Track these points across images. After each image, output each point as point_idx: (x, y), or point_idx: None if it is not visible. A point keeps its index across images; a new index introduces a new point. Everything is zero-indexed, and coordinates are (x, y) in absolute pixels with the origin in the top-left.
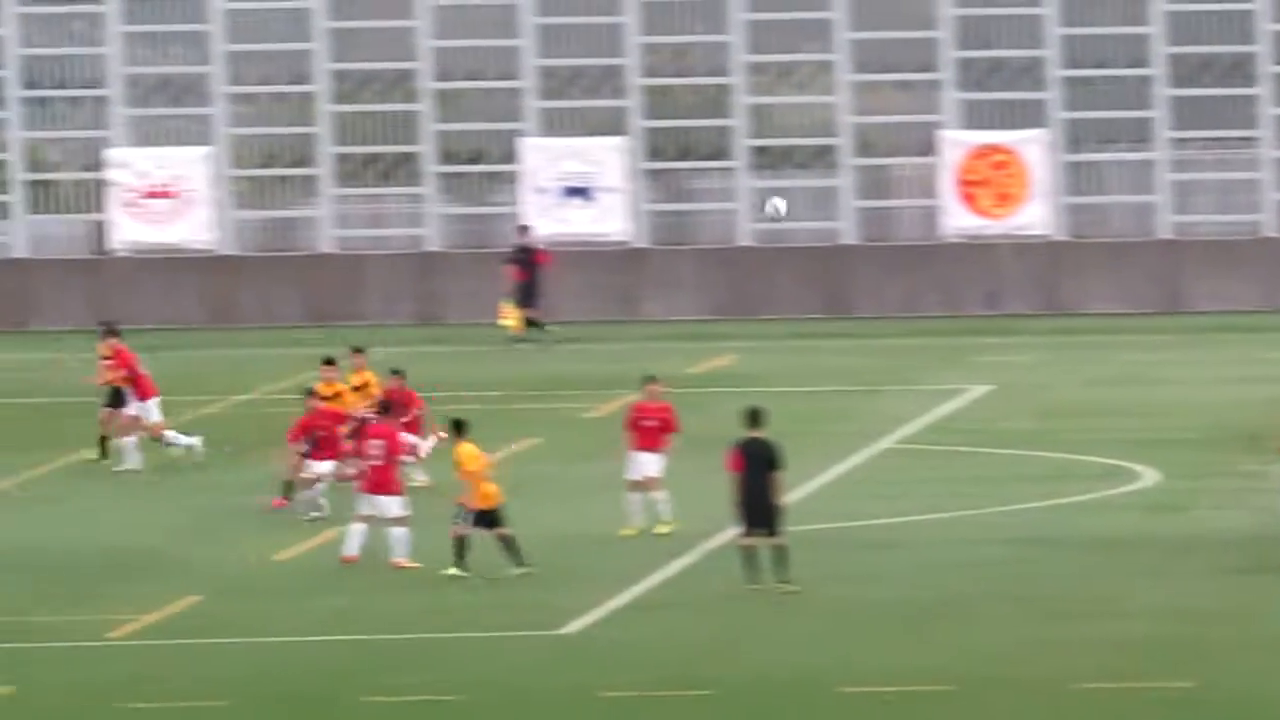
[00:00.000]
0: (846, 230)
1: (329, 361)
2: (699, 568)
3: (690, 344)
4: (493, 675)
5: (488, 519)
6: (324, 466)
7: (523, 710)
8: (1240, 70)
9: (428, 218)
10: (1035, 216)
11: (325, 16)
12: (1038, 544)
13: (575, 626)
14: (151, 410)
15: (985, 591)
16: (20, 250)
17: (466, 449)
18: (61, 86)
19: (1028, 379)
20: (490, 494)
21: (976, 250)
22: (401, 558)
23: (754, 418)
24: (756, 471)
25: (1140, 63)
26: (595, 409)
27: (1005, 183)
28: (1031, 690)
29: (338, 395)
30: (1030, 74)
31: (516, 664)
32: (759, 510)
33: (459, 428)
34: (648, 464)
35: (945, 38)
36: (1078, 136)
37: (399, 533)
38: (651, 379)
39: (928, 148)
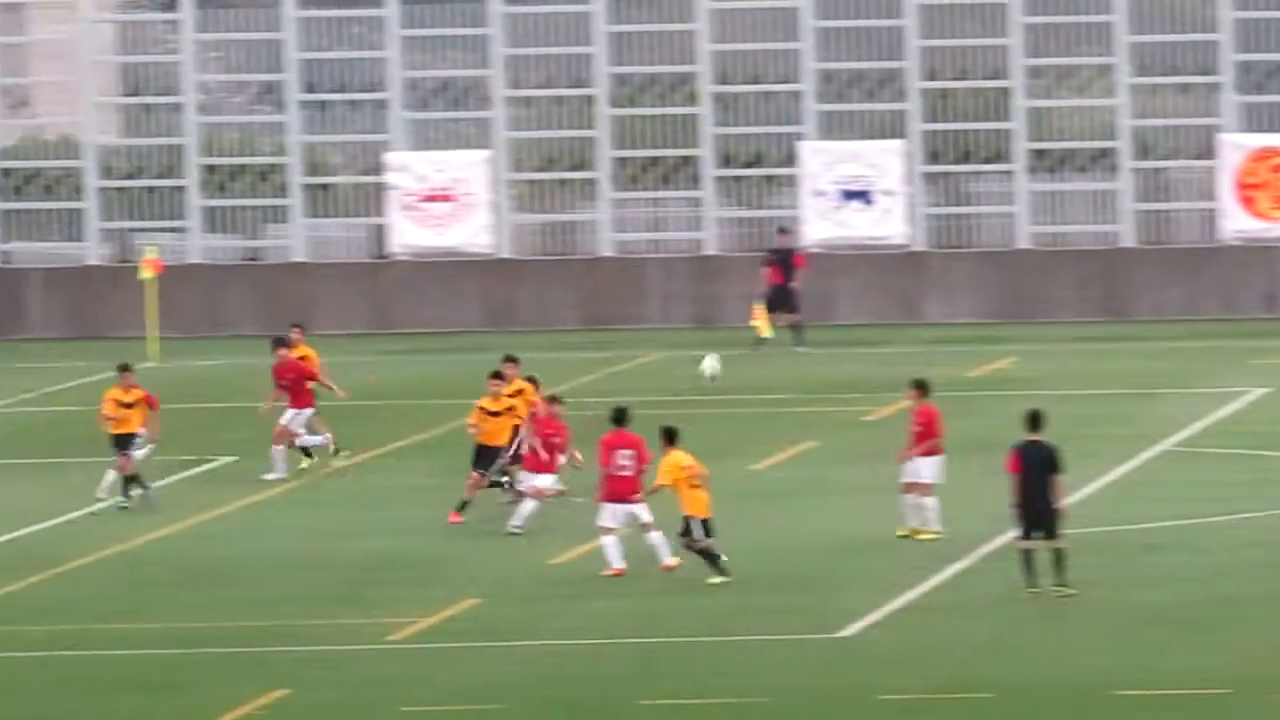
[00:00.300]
0: (1125, 233)
1: (498, 375)
2: (975, 570)
3: (969, 347)
4: (771, 679)
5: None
6: (544, 480)
7: (805, 713)
8: None
9: (706, 221)
10: None
11: (605, 20)
12: None
13: (853, 630)
14: (297, 420)
15: (1263, 594)
16: (300, 254)
17: (673, 457)
18: (341, 90)
19: None
20: (698, 502)
21: (1255, 253)
22: (670, 559)
23: (1034, 420)
24: (1036, 474)
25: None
26: (874, 412)
27: None
28: None
29: (511, 408)
30: None
31: (795, 667)
32: (1037, 513)
33: (670, 436)
34: (919, 468)
35: (1225, 40)
36: None
37: (656, 536)
38: (913, 384)
39: (1207, 150)
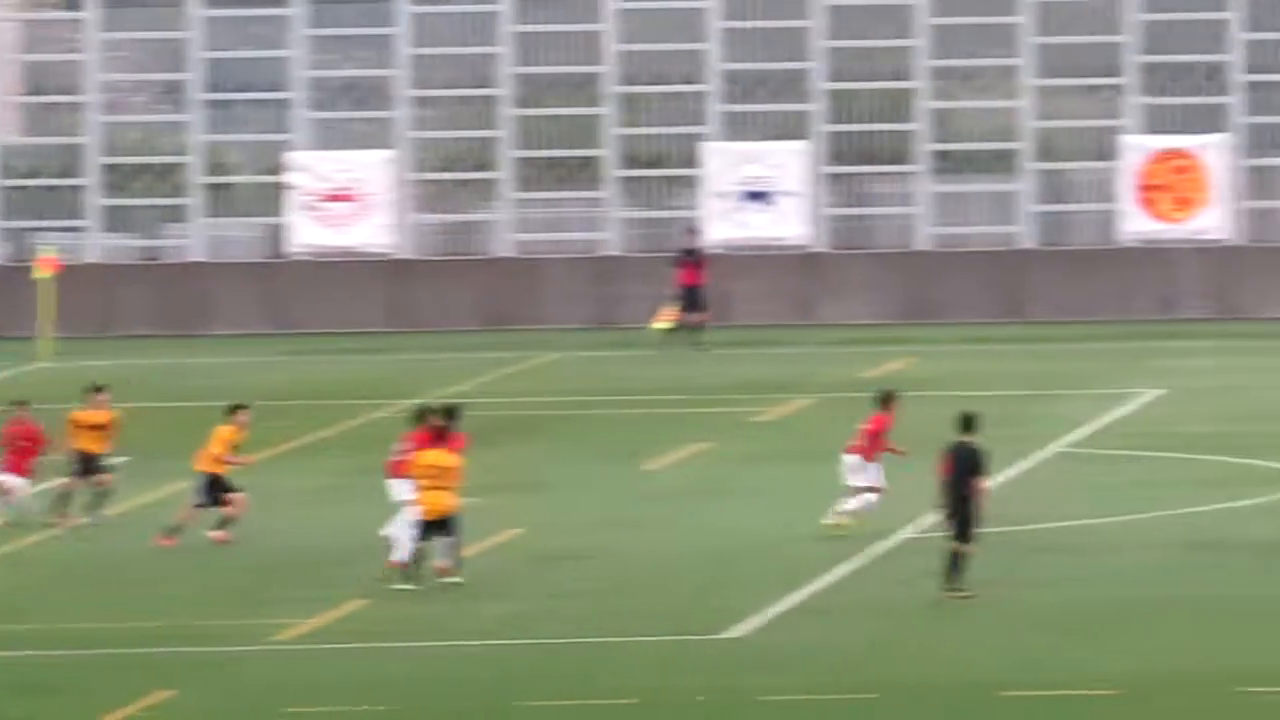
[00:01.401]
0: (1024, 234)
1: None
2: (865, 571)
3: (867, 348)
4: (652, 680)
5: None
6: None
7: (682, 714)
8: None
9: (607, 222)
10: (1213, 221)
11: (510, 20)
12: (1211, 548)
13: (738, 631)
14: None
15: (1156, 595)
16: (199, 254)
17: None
18: (244, 90)
19: (1202, 383)
20: (435, 503)
21: (1153, 254)
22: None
23: (965, 423)
24: (960, 476)
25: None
26: (766, 413)
27: (1185, 187)
28: (1201, 693)
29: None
30: (1212, 78)
31: (677, 668)
32: (962, 515)
33: (438, 433)
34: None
35: (1129, 42)
36: (1257, 140)
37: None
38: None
39: (1109, 152)
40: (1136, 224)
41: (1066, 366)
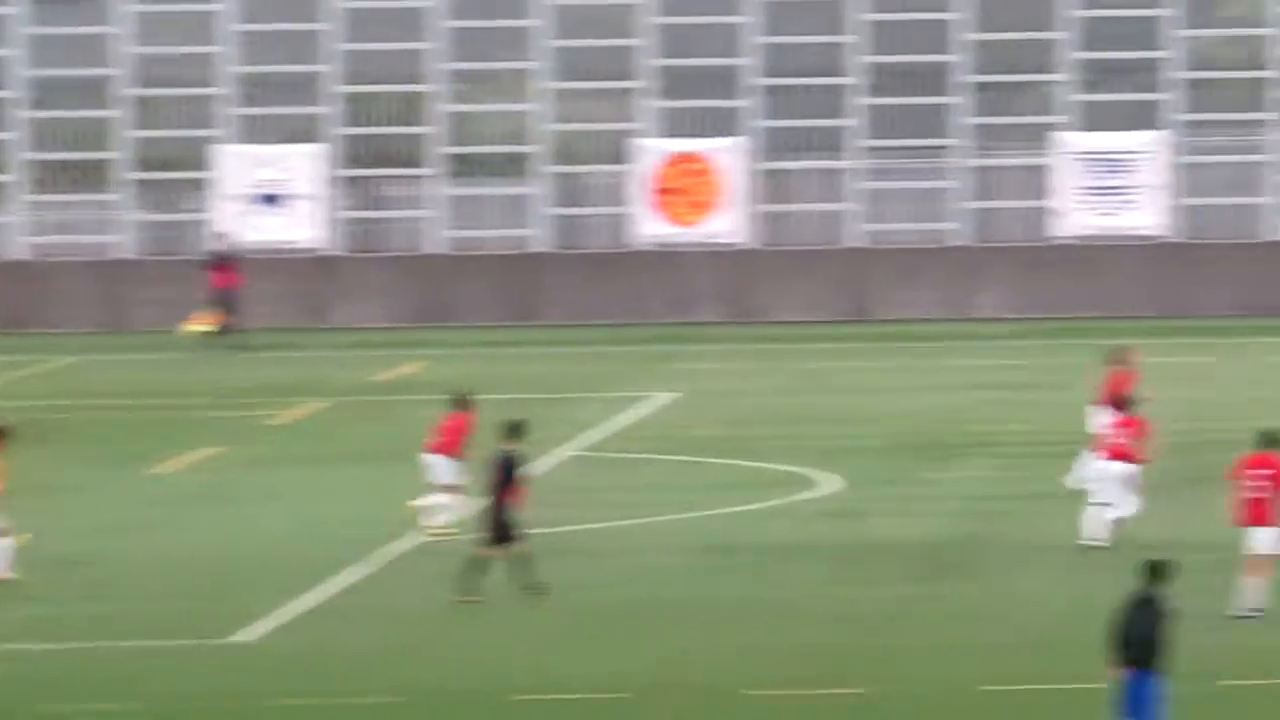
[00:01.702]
0: (538, 238)
1: None
2: (382, 575)
3: (380, 351)
4: (162, 685)
5: None
6: None
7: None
8: (936, 80)
9: (119, 224)
10: (727, 225)
11: (23, 23)
12: (719, 551)
13: (247, 635)
14: None
15: (665, 598)
16: None
17: None
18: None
19: (716, 386)
20: None
21: (667, 258)
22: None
23: (511, 430)
24: (501, 484)
25: (837, 71)
26: (278, 416)
27: (698, 191)
28: (705, 697)
29: None
30: (727, 82)
31: (188, 673)
32: (500, 522)
33: None
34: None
35: (644, 46)
36: (773, 145)
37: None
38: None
39: (622, 156)
40: (651, 228)
41: (581, 370)
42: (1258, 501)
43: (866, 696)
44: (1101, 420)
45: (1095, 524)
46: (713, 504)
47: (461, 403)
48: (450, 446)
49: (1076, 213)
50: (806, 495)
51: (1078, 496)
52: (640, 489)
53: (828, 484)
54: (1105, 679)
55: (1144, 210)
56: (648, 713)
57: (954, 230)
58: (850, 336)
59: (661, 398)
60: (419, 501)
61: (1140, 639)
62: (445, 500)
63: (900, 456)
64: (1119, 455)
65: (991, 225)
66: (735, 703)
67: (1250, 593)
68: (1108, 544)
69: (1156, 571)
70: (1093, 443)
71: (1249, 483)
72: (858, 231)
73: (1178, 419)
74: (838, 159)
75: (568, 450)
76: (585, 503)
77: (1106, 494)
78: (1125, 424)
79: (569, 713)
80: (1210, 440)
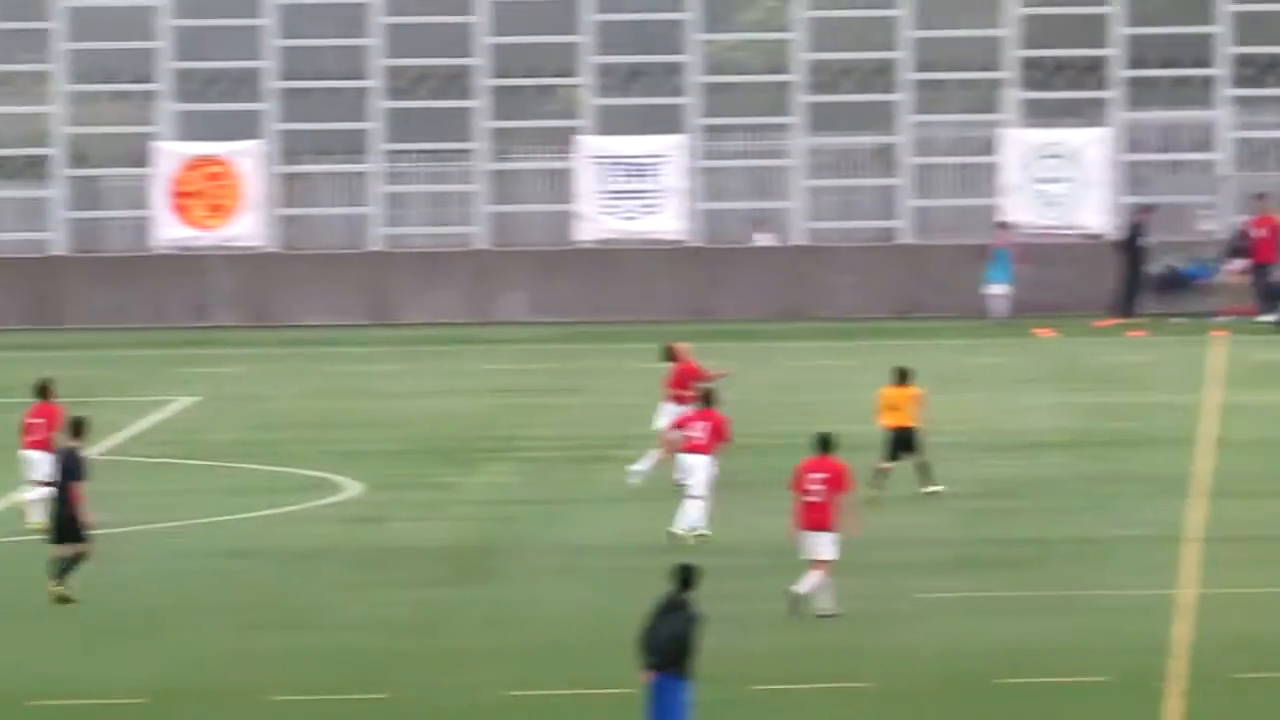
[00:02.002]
0: (57, 241)
1: None
2: None
3: None
4: None
5: None
6: None
7: None
8: (457, 83)
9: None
10: (247, 228)
11: None
12: (239, 556)
13: None
14: None
15: (183, 604)
16: None
17: None
18: None
19: (237, 391)
20: None
21: (187, 261)
22: None
23: (73, 427)
24: (64, 481)
25: (357, 75)
26: None
27: (218, 194)
28: (225, 702)
29: None
30: (246, 85)
31: None
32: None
33: None
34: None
35: (162, 48)
36: (293, 148)
37: None
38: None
39: (142, 159)
40: (170, 231)
41: (101, 373)
42: (817, 506)
43: (393, 702)
44: (668, 416)
45: (692, 516)
46: (235, 509)
47: (45, 392)
48: (47, 442)
49: (599, 217)
50: (330, 500)
51: (609, 501)
52: (162, 494)
53: (351, 488)
54: (633, 684)
55: (665, 214)
56: (166, 718)
57: (476, 233)
58: (373, 340)
59: (181, 402)
60: (28, 496)
61: (667, 644)
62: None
63: (423, 460)
64: (696, 449)
65: (513, 229)
66: (259, 708)
67: (820, 596)
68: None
69: (684, 576)
70: (664, 440)
71: (810, 487)
72: (379, 235)
73: None
74: (359, 162)
75: (91, 454)
76: (108, 507)
77: (697, 488)
78: (700, 417)
79: (85, 718)
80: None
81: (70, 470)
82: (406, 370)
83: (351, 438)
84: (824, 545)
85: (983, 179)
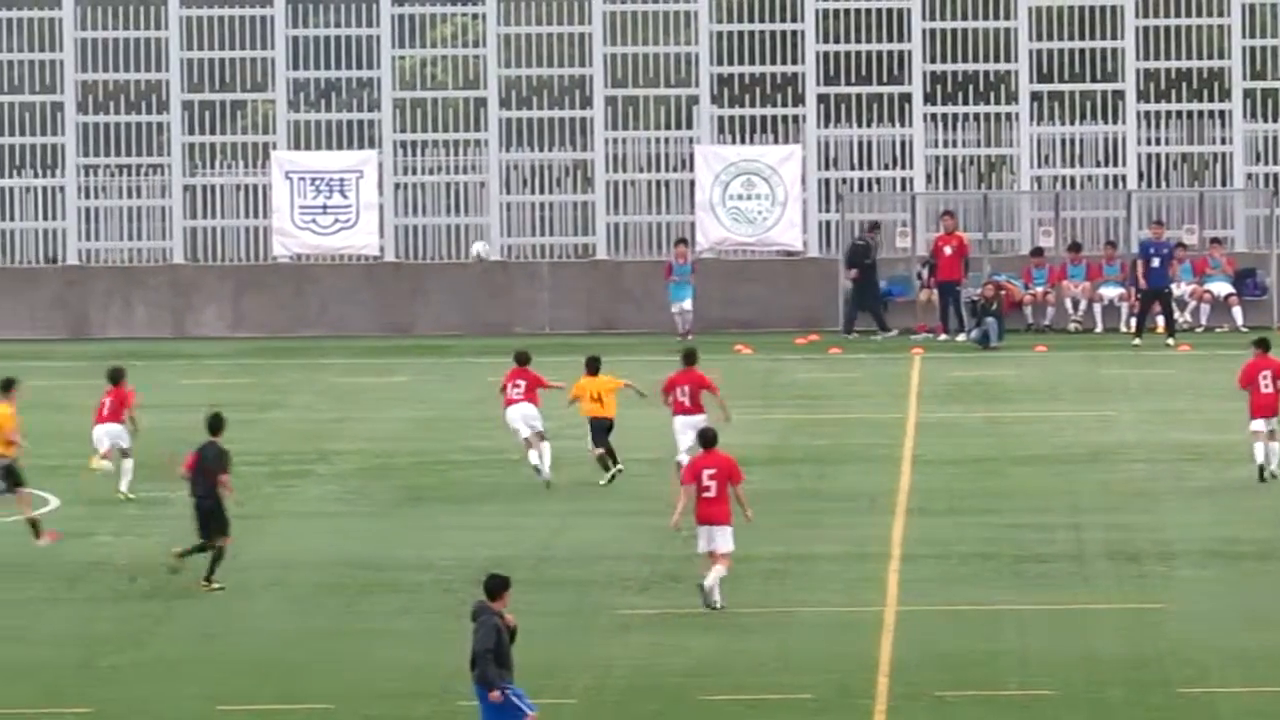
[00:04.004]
0: None
1: None
2: None
3: None
4: None
5: None
6: None
7: None
8: (152, 99)
9: None
10: None
11: None
12: None
13: None
14: None
15: None
16: None
17: None
18: None
19: None
20: None
21: None
22: None
23: (214, 424)
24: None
25: (51, 88)
26: None
27: None
28: None
29: None
30: None
31: None
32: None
33: None
34: None
35: None
36: None
37: None
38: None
39: None
40: None
41: None
42: (713, 501)
43: (92, 716)
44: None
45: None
46: None
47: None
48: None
49: (296, 232)
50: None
51: (312, 516)
52: None
53: (50, 502)
54: (336, 698)
55: (360, 230)
56: None
57: (173, 248)
58: (67, 356)
59: None
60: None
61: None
62: None
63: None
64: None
65: (210, 244)
66: None
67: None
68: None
69: (486, 586)
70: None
71: (706, 483)
72: (73, 249)
73: (400, 439)
74: (54, 176)
75: None
76: None
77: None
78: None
79: None
80: (424, 462)
81: (215, 463)
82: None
83: (52, 451)
84: (723, 538)
85: (676, 195)
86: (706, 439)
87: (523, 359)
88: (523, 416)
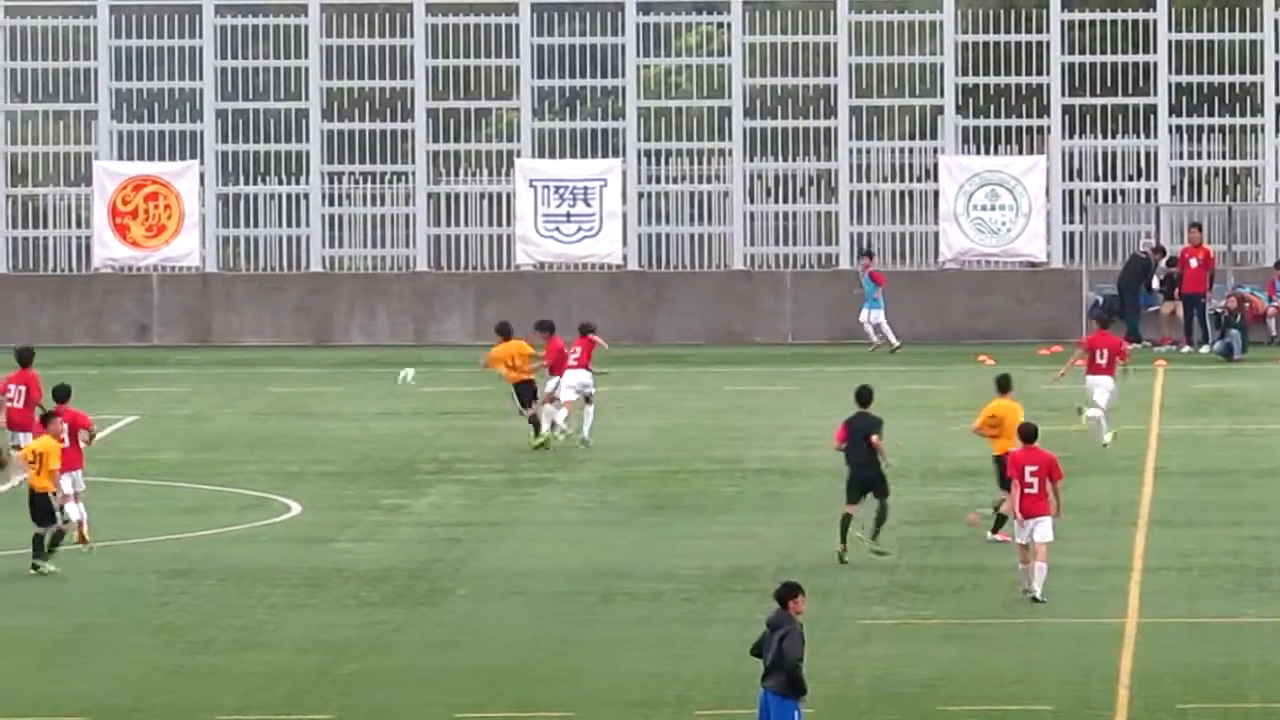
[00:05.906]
0: None
1: None
2: None
3: None
4: None
5: None
6: None
7: None
8: (395, 103)
9: None
10: (186, 248)
11: None
12: (181, 575)
13: None
14: None
15: (126, 622)
16: None
17: None
18: None
19: (177, 410)
20: None
21: (128, 281)
22: None
23: (862, 396)
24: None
25: (296, 95)
26: None
27: (157, 214)
28: None
29: None
30: (187, 105)
31: None
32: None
33: None
34: None
35: (104, 68)
36: (231, 168)
37: None
38: None
39: (83, 178)
40: (111, 250)
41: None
42: (1035, 497)
43: None
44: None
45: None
46: (173, 528)
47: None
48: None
49: (540, 240)
50: (271, 520)
51: (547, 526)
52: (102, 512)
53: (291, 509)
54: (577, 707)
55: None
56: None
57: (415, 256)
58: (312, 362)
59: (121, 421)
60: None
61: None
62: None
63: (362, 482)
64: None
65: (453, 252)
66: None
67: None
68: None
69: (778, 594)
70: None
71: (1028, 479)
72: (318, 255)
73: (640, 447)
74: (299, 184)
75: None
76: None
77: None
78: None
79: None
80: (665, 470)
81: (872, 427)
82: (344, 392)
83: (292, 458)
84: (1042, 529)
85: (920, 206)
86: (1026, 434)
87: (587, 329)
88: (579, 382)
